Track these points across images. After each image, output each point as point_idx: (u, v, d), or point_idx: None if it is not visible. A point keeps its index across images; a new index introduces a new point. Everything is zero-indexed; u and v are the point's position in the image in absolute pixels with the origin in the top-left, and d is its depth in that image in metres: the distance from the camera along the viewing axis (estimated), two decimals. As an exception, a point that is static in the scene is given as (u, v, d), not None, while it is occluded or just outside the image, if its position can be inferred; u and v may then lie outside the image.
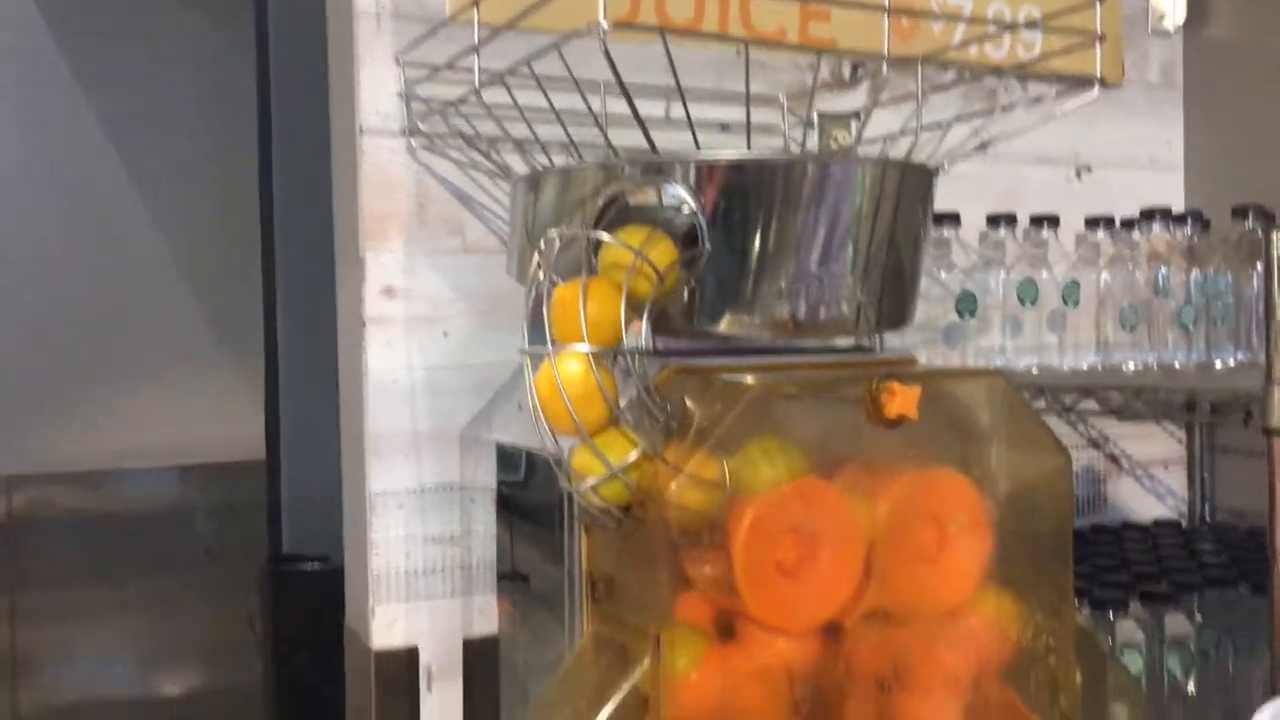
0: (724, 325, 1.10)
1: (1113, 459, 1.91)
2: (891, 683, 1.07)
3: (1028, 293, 1.64)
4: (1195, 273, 1.63)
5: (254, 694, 3.77)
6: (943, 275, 1.67)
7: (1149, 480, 1.93)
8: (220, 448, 3.70)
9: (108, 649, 3.67)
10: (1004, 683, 1.11)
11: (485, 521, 1.47)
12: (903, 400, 1.03)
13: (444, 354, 1.46)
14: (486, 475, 1.48)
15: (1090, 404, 1.72)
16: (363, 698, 1.48)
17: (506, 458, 1.48)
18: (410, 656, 1.45)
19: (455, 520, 1.46)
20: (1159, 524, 1.83)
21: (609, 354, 0.96)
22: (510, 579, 1.49)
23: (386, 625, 1.44)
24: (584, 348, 0.95)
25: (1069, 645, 1.13)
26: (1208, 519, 1.90)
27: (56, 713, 3.63)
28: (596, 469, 0.96)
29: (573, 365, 0.95)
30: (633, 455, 0.97)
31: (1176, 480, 1.96)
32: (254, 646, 3.82)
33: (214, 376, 3.60)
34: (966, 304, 1.64)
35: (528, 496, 1.45)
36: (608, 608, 1.06)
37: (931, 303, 1.66)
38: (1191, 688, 1.42)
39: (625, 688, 0.97)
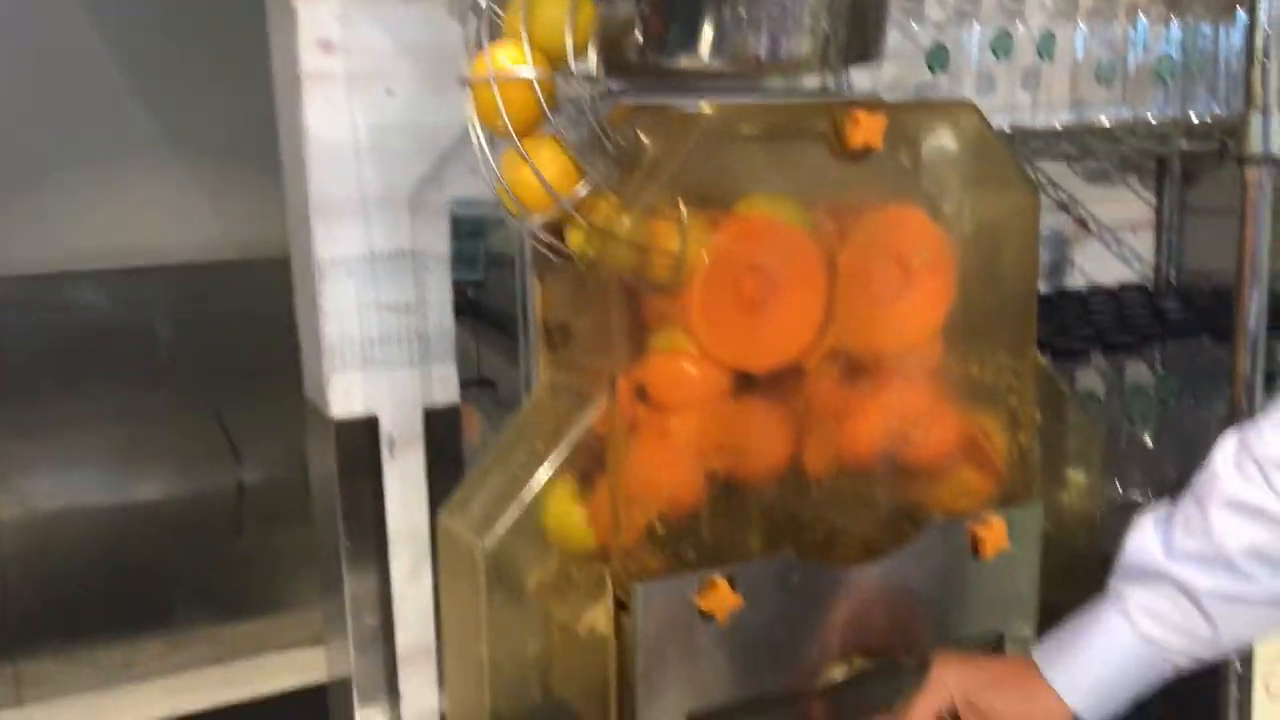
0: (680, 60, 1.03)
1: (1081, 223, 1.88)
2: (853, 423, 1.06)
3: (1002, 46, 1.56)
4: (1174, 23, 1.56)
5: (228, 493, 3.83)
6: (914, 27, 1.59)
7: (1116, 244, 1.90)
8: (175, 250, 3.62)
9: (79, 458, 3.68)
10: (963, 422, 1.10)
11: (440, 289, 1.44)
12: (868, 128, 0.98)
13: (390, 113, 1.38)
14: (440, 241, 1.43)
15: (1060, 166, 1.68)
16: (325, 468, 1.48)
17: (463, 230, 1.43)
18: (370, 425, 1.43)
19: (409, 288, 1.42)
20: (1125, 287, 1.82)
21: (554, 78, 0.90)
22: (476, 386, 1.48)
23: (344, 393, 1.42)
24: (527, 71, 0.89)
25: (1030, 383, 1.12)
26: (1174, 282, 1.89)
27: (34, 521, 3.66)
28: (547, 204, 0.92)
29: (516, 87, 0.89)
30: (581, 188, 0.92)
31: (1144, 244, 1.94)
32: (225, 447, 3.86)
33: (166, 176, 3.48)
34: (938, 58, 1.57)
35: (489, 297, 1.42)
36: (563, 355, 1.03)
37: (902, 62, 1.59)
38: (1149, 437, 1.43)
39: (579, 431, 0.95)
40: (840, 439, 1.05)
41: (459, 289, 1.46)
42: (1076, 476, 1.21)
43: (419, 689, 1.50)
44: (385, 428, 1.44)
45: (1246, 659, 1.12)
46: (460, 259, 1.48)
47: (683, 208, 0.93)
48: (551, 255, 0.96)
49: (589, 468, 0.96)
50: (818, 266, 1.01)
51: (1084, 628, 0.96)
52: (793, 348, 1.02)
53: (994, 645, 1.14)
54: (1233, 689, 1.12)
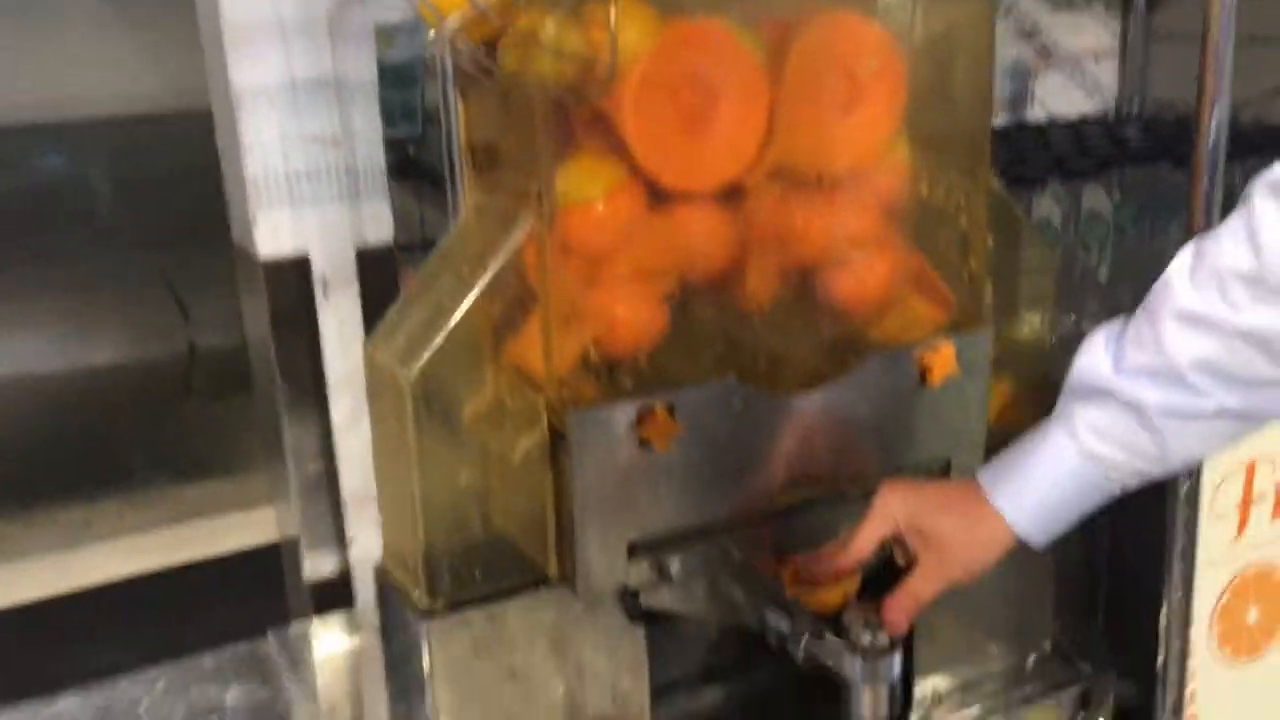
0: None
1: (1043, 52, 1.81)
2: (797, 246, 1.01)
3: None
4: None
5: (179, 355, 3.76)
6: None
7: (1079, 74, 1.84)
8: (112, 101, 3.46)
9: (25, 324, 3.59)
10: (912, 246, 1.06)
11: (367, 122, 1.36)
12: (811, -78, 0.90)
13: (304, -72, 1.28)
14: (365, 69, 1.35)
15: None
16: (257, 313, 1.42)
17: (392, 77, 1.36)
18: (301, 266, 1.37)
19: (334, 119, 1.33)
20: (1086, 119, 1.77)
21: None
22: (420, 249, 1.40)
23: (272, 233, 1.35)
24: None
25: (982, 206, 1.08)
26: (1137, 112, 1.83)
27: (-15, 386, 3.59)
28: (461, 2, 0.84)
29: None
30: (500, -13, 0.84)
31: (1107, 74, 1.87)
32: (174, 308, 3.78)
33: (101, 24, 3.30)
34: None
35: (429, 154, 1.34)
36: (490, 178, 0.97)
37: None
38: (1105, 270, 1.40)
39: (507, 251, 0.90)
40: (783, 262, 1.01)
41: (398, 146, 1.39)
42: (1029, 304, 1.18)
43: (367, 534, 1.48)
44: (317, 268, 1.38)
45: (1195, 475, 1.11)
46: (395, 112, 1.40)
47: (612, 8, 0.86)
48: (473, 68, 0.89)
49: (518, 293, 0.92)
50: (760, 76, 0.95)
51: (1029, 449, 0.94)
52: (733, 164, 0.96)
53: (941, 474, 1.12)
54: (1180, 508, 1.12)
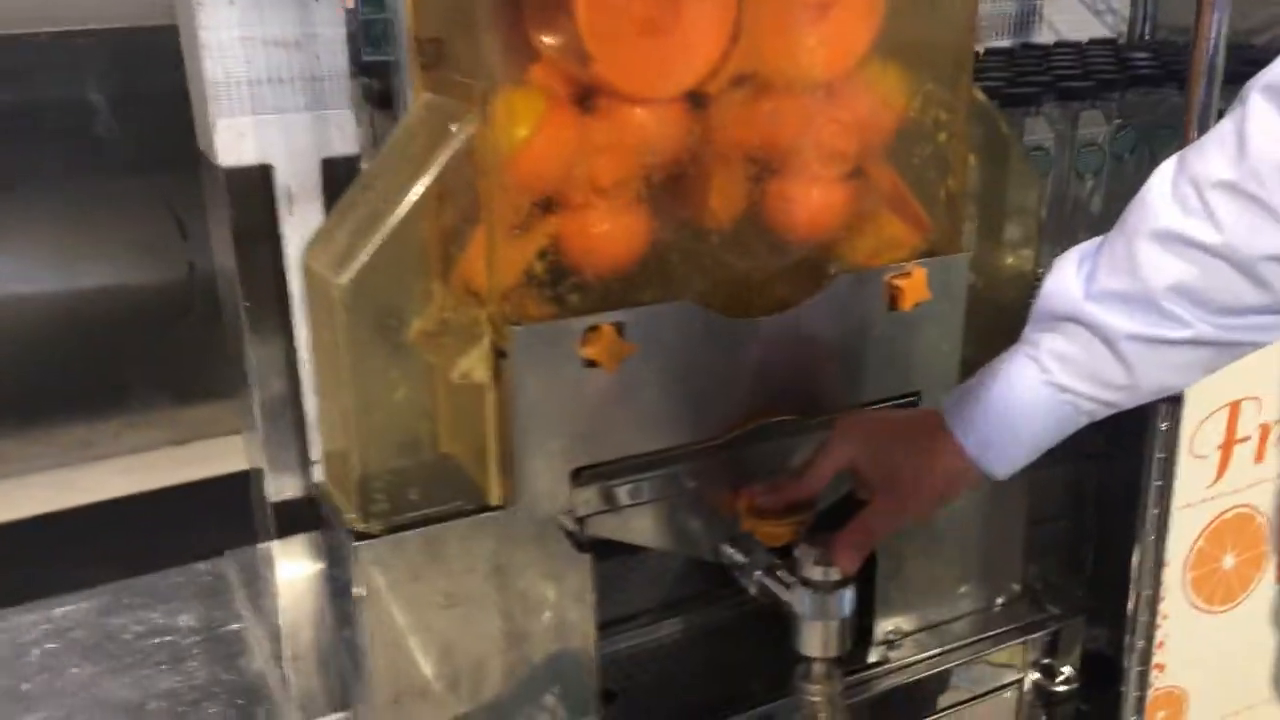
0: None
1: (1053, -30, 1.72)
2: (763, 161, 0.96)
3: None
4: None
5: (179, 274, 3.73)
6: None
7: (1090, -5, 1.76)
8: (109, 11, 3.39)
9: (23, 244, 3.55)
10: (886, 164, 1.00)
11: (330, 26, 1.30)
12: None
13: None
14: (328, -32, 1.28)
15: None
16: (220, 224, 1.37)
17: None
18: (264, 174, 1.32)
19: (296, 22, 1.28)
20: (1094, 41, 1.69)
21: None
22: None
23: (234, 140, 1.29)
24: None
25: (963, 122, 1.02)
26: (1148, 37, 1.75)
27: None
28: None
29: None
30: None
31: (1120, -3, 1.79)
32: (172, 226, 3.74)
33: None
34: None
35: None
36: (438, 75, 0.92)
37: None
38: (1099, 200, 1.34)
39: (450, 150, 0.85)
40: (748, 177, 0.95)
41: (379, 69, 1.33)
42: (1013, 230, 1.12)
43: (330, 454, 1.45)
44: (281, 179, 1.33)
45: (1174, 415, 1.06)
46: (377, 34, 1.35)
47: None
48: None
49: (466, 201, 0.87)
50: (724, -26, 0.88)
51: (992, 377, 0.89)
52: (695, 70, 0.90)
53: (911, 407, 1.08)
54: (1156, 447, 1.07)
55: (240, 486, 1.76)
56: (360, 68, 1.32)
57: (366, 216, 0.87)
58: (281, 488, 1.45)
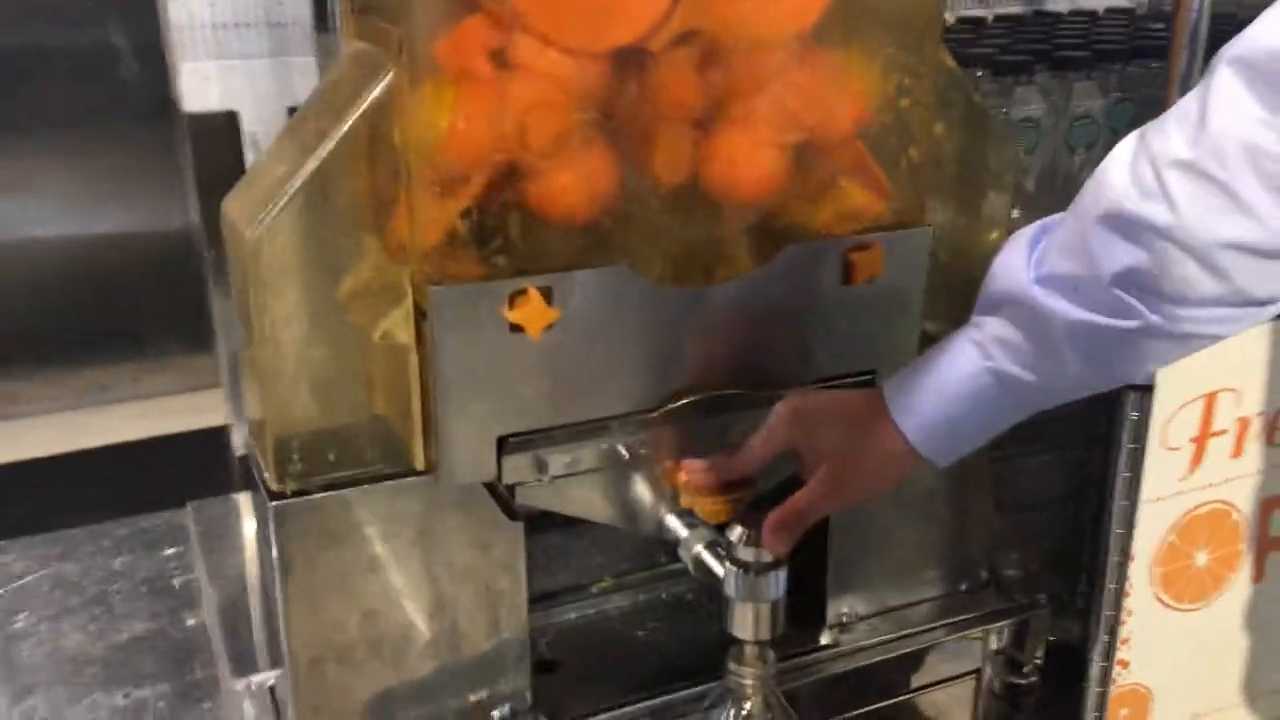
0: None
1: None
2: (708, 123, 0.91)
3: None
4: None
5: (184, 233, 3.74)
6: None
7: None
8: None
9: (35, 187, 3.57)
10: (844, 130, 0.95)
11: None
12: None
13: None
14: (296, -90, 1.25)
15: None
16: (187, 172, 1.35)
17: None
18: (229, 120, 1.30)
19: (262, -35, 1.25)
20: (1111, 10, 1.61)
21: None
22: None
23: (199, 84, 1.28)
24: None
25: (930, 88, 0.96)
26: (1168, 8, 1.67)
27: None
28: None
29: None
30: None
31: (1143, -38, 1.71)
32: (180, 189, 3.74)
33: None
34: None
35: None
36: (368, 21, 0.88)
37: None
38: (1087, 169, 1.27)
39: (367, 100, 0.81)
40: (692, 140, 0.91)
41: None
42: (983, 202, 1.07)
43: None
44: (247, 125, 1.31)
45: (1144, 404, 1.01)
46: None
47: None
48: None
49: (387, 153, 0.83)
50: (667, -78, 0.84)
51: (935, 360, 0.84)
52: (637, 24, 0.86)
53: (866, 385, 1.03)
54: (1125, 437, 1.02)
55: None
56: (320, 19, 1.29)
57: (285, 167, 0.84)
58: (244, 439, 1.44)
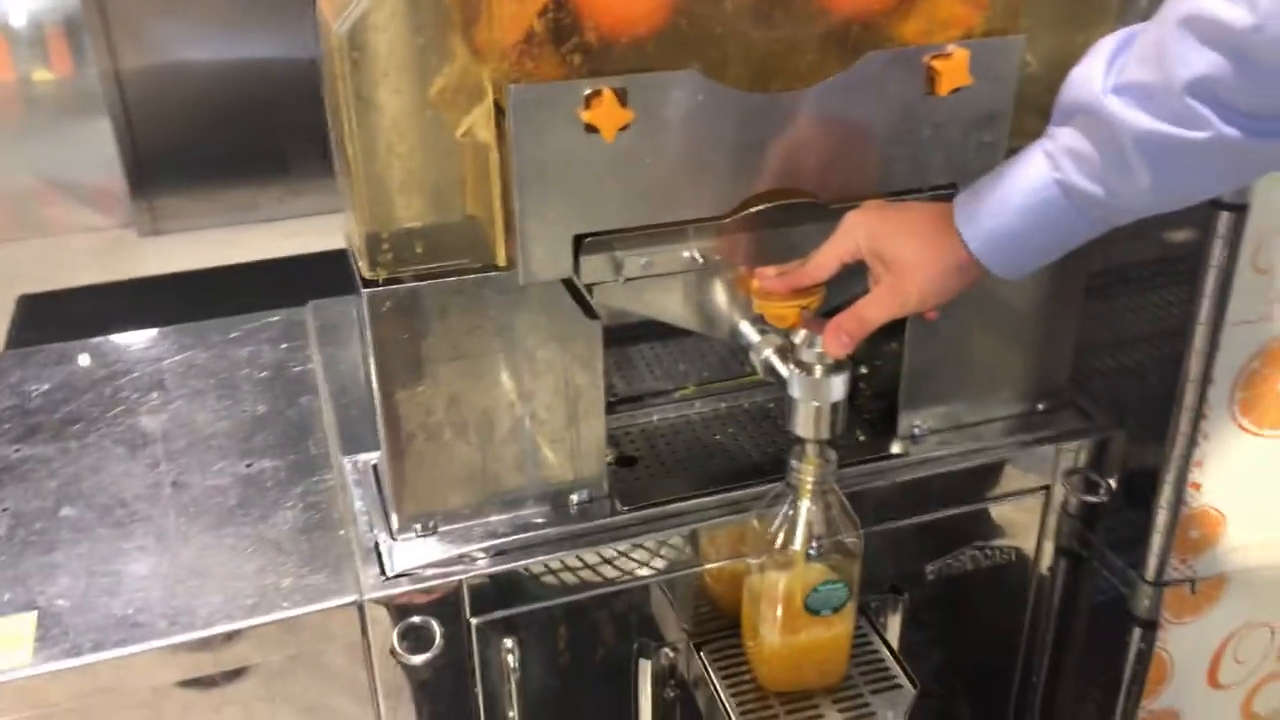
0: None
1: None
2: (792, -78, 0.90)
3: None
4: None
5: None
6: None
7: None
8: None
9: (196, 13, 3.70)
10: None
11: None
12: None
13: None
14: None
15: None
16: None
17: None
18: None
19: None
20: None
21: None
22: None
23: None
24: None
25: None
26: None
27: (158, 71, 3.76)
28: None
29: None
30: None
31: None
32: None
33: None
34: None
35: None
36: None
37: None
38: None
39: None
40: (773, -61, 0.90)
41: None
42: (1081, 8, 1.03)
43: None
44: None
45: (1236, 226, 0.98)
46: None
47: None
48: None
49: (467, -49, 0.86)
50: None
51: (1005, 171, 0.84)
52: None
53: (948, 198, 1.03)
54: (1213, 256, 1.00)
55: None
56: None
57: (373, -34, 0.87)
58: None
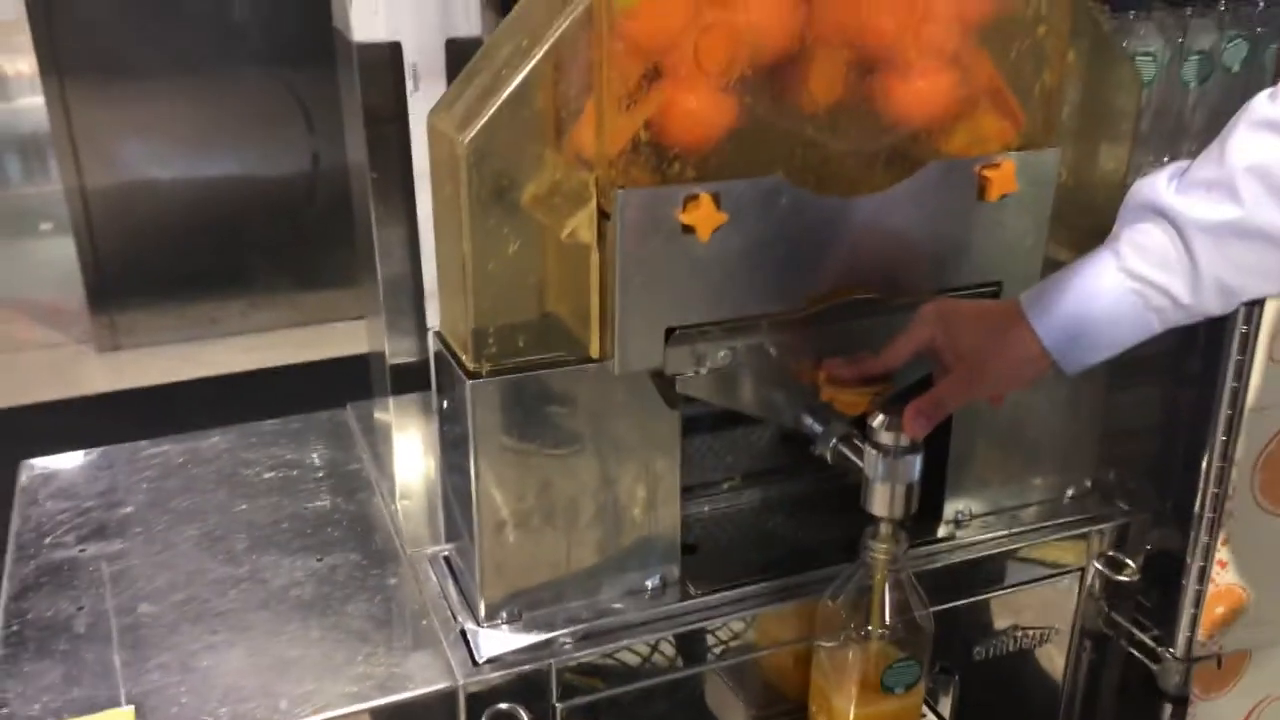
0: None
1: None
2: (864, 49, 1.00)
3: None
4: None
5: (304, 165, 3.91)
6: None
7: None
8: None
9: (160, 131, 3.76)
10: (984, 55, 1.04)
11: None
12: None
13: None
14: None
15: None
16: (351, 99, 1.47)
17: None
18: (394, 52, 1.41)
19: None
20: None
21: None
22: None
23: (368, 16, 1.39)
24: None
25: (1064, 16, 1.04)
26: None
27: (122, 190, 3.80)
28: None
29: None
30: None
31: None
32: (300, 119, 3.91)
33: None
34: None
35: None
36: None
37: None
38: (1202, 115, 1.34)
39: (567, 19, 0.92)
40: (848, 61, 1.00)
41: None
42: (1107, 128, 1.15)
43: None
44: (408, 57, 1.42)
45: (1254, 317, 1.09)
46: None
47: None
48: None
49: (579, 71, 0.94)
50: None
51: (1074, 268, 0.93)
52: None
53: (993, 296, 1.12)
54: (1234, 350, 1.10)
55: (354, 369, 1.90)
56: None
57: (489, 81, 0.95)
58: (398, 350, 1.57)
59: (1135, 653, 1.29)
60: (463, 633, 1.07)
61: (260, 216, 3.92)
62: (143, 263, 3.87)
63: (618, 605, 1.10)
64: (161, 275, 3.88)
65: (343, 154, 1.70)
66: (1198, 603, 1.22)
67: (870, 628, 1.06)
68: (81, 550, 1.20)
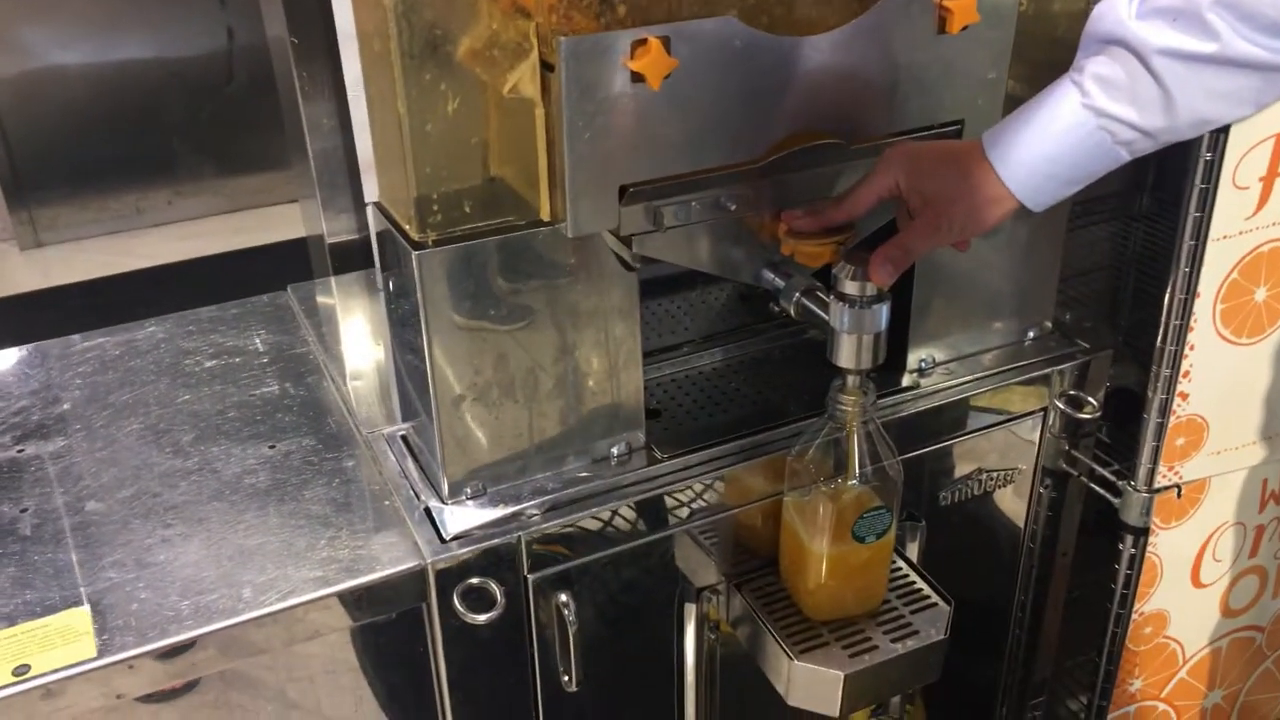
0: None
1: None
2: None
3: None
4: None
5: (220, 52, 3.72)
6: None
7: None
8: None
9: (70, 16, 3.53)
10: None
11: None
12: None
13: None
14: None
15: None
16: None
17: None
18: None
19: None
20: None
21: None
22: None
23: None
24: None
25: None
26: None
27: (31, 78, 3.59)
28: None
29: None
30: None
31: None
32: (214, 3, 3.70)
33: None
34: None
35: None
36: None
37: None
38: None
39: None
40: (798, -112, 0.94)
41: None
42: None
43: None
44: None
45: (1218, 147, 1.06)
46: None
47: None
48: None
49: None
50: None
51: (1035, 104, 0.89)
52: None
53: (955, 135, 1.09)
54: (1198, 178, 1.08)
55: (292, 253, 1.82)
56: None
57: (414, -74, 0.87)
58: (336, 230, 1.50)
59: (1096, 488, 1.30)
60: (427, 511, 1.04)
61: (177, 99, 3.74)
62: (58, 154, 3.69)
63: (584, 474, 1.08)
64: (79, 166, 3.71)
65: (259, 27, 1.58)
66: (1159, 435, 1.23)
67: (840, 480, 1.05)
68: (20, 450, 1.15)
